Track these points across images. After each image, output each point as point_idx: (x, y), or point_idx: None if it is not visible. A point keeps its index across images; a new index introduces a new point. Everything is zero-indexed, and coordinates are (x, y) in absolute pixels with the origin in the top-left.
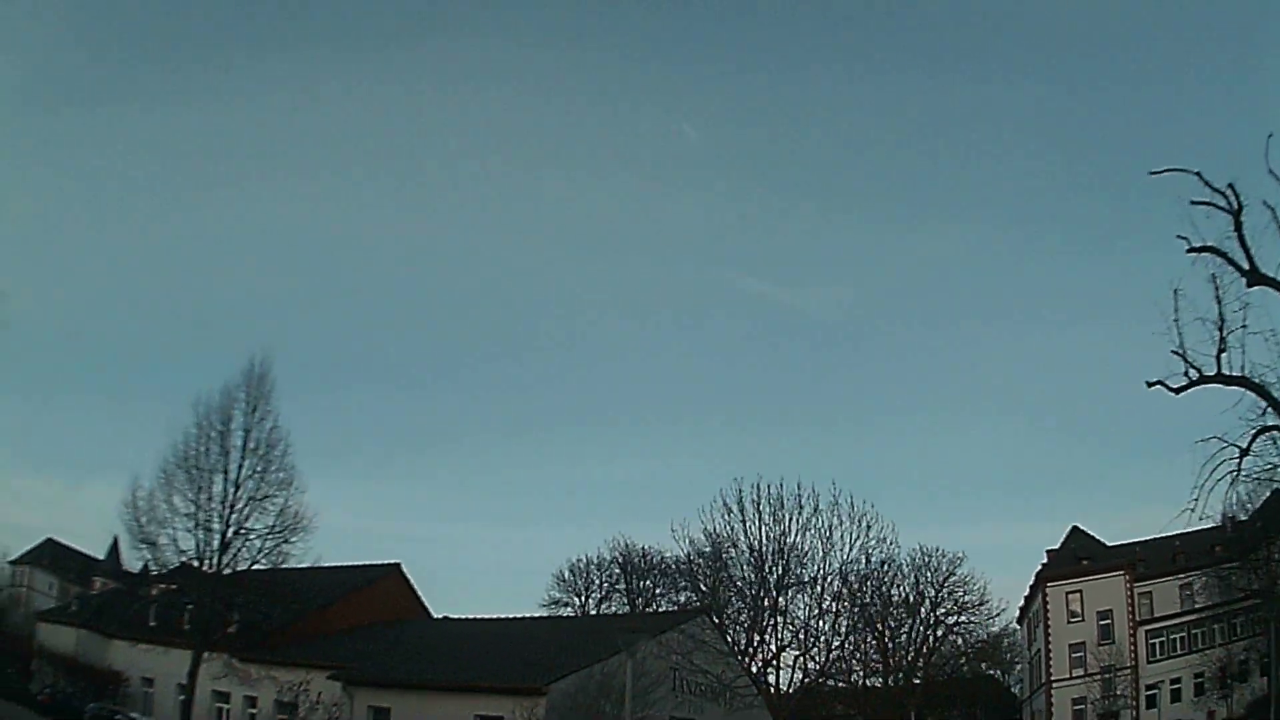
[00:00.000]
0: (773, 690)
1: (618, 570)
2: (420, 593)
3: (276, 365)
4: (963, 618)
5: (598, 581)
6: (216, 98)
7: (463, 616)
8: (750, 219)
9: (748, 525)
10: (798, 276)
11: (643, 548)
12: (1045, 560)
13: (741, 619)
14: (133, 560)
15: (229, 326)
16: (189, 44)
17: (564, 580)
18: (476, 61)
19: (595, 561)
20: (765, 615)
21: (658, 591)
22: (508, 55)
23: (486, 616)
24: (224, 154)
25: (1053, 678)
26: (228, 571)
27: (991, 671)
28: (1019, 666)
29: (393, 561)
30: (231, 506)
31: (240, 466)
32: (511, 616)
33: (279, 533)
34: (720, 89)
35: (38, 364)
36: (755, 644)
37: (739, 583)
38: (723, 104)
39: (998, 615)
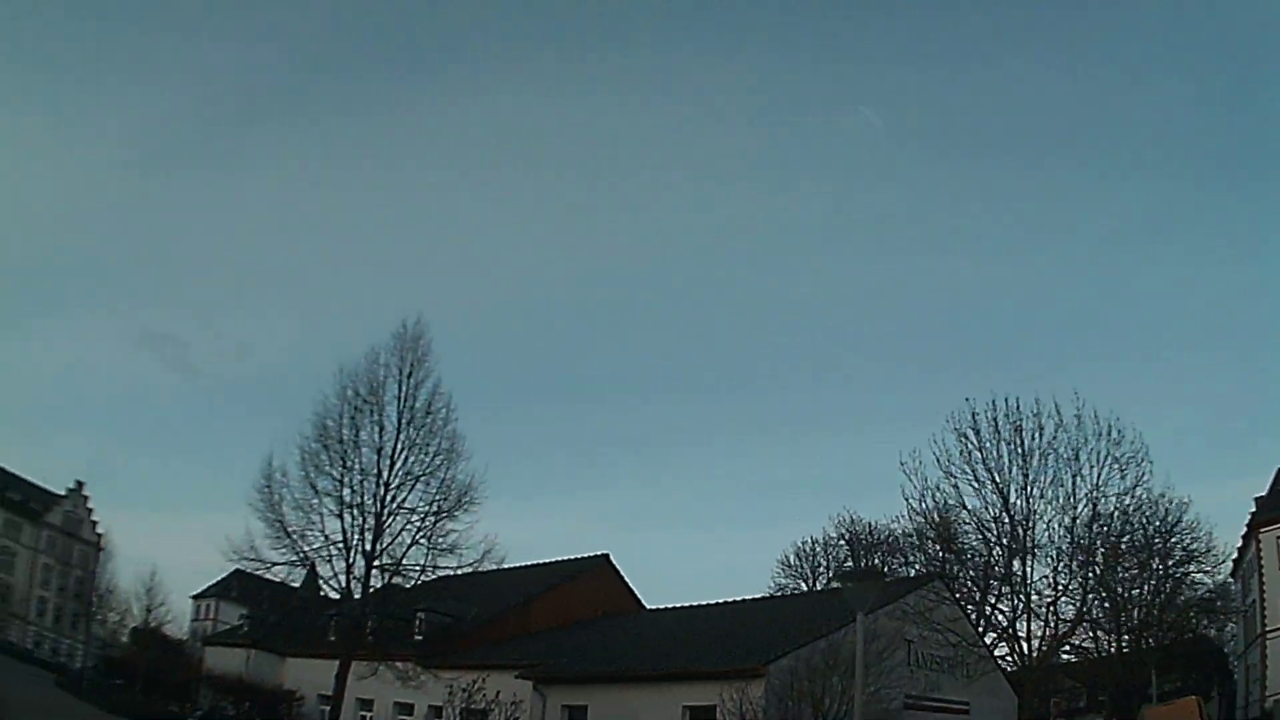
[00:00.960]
0: (1011, 661)
1: (844, 547)
2: (631, 584)
3: (432, 330)
4: (1191, 567)
5: (824, 564)
6: (397, 108)
7: (675, 605)
8: (939, 202)
9: (984, 447)
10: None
11: (869, 522)
12: (1254, 509)
13: (973, 586)
14: (270, 551)
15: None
16: (372, 55)
17: (789, 565)
18: (651, 69)
19: (820, 541)
20: (998, 582)
21: (886, 567)
22: (683, 61)
23: (699, 603)
24: (400, 164)
25: (1267, 629)
26: (387, 562)
27: (1208, 629)
28: (1230, 625)
29: (600, 553)
30: (385, 484)
31: (396, 437)
32: (725, 600)
33: (441, 511)
34: (902, 74)
35: (224, 410)
36: (988, 614)
37: (969, 552)
38: (905, 89)
39: (1222, 564)
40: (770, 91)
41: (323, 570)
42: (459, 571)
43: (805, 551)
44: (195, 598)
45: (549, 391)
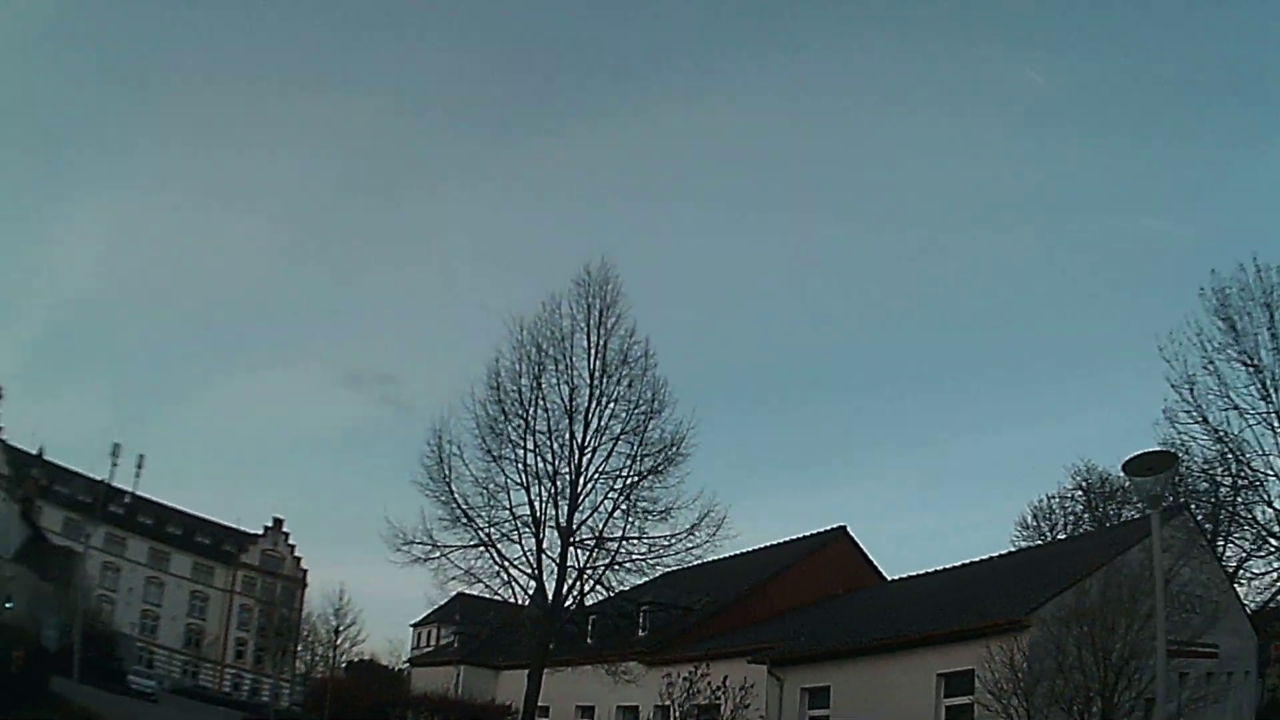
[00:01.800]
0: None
1: (1081, 498)
2: (871, 556)
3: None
4: None
5: (1061, 520)
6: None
7: (919, 573)
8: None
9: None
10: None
11: (1103, 471)
12: None
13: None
14: (444, 535)
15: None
16: (589, 68)
17: (1026, 526)
18: (843, 68)
19: (1055, 496)
20: (1226, 520)
21: (1123, 515)
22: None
23: (944, 567)
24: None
25: None
26: (585, 535)
27: None
28: None
29: (836, 525)
30: (579, 446)
31: (590, 393)
32: (970, 561)
33: (645, 471)
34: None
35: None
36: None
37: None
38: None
39: None
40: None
41: (507, 551)
42: (674, 544)
43: (1042, 510)
44: (415, 626)
45: (776, 384)
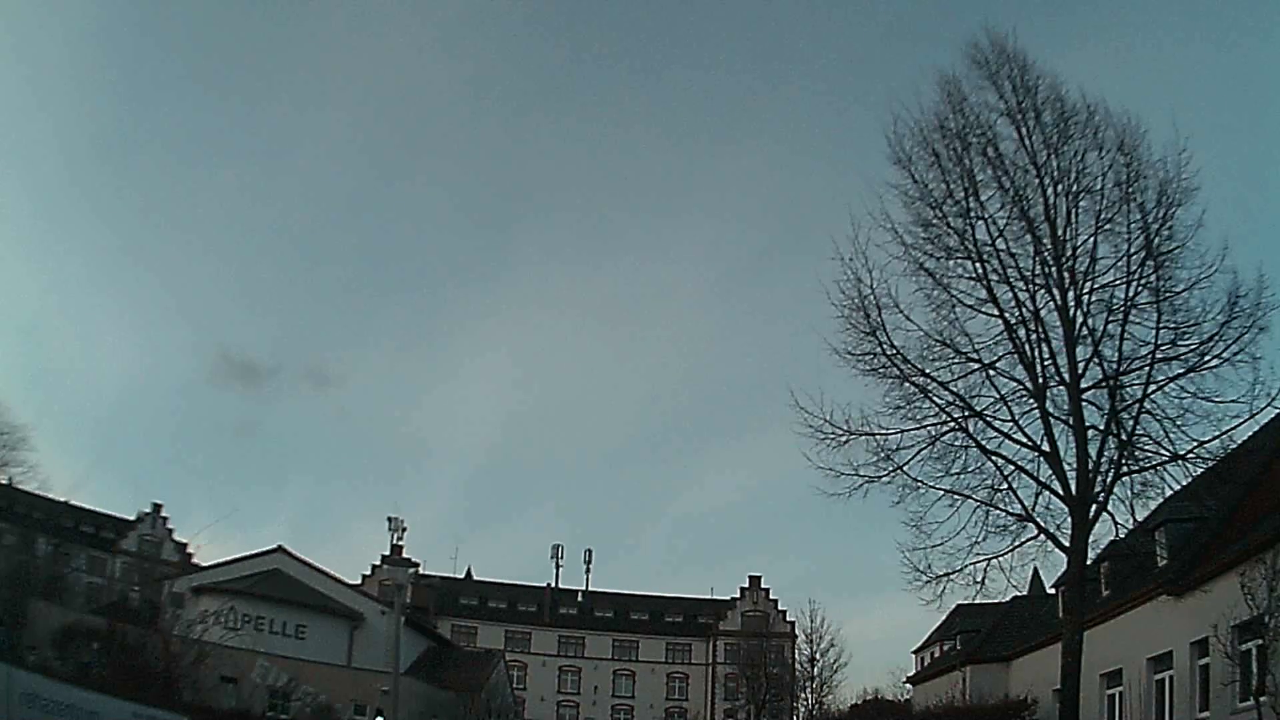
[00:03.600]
0: None
1: None
2: None
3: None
4: None
5: None
6: None
7: None
8: None
9: None
10: None
11: None
12: None
13: None
14: (886, 419)
15: None
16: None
17: None
18: None
19: None
20: None
21: None
22: None
23: None
24: None
25: None
26: (1096, 377)
27: None
28: None
29: None
30: (1056, 258)
31: (1056, 191)
32: None
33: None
34: None
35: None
36: None
37: None
38: None
39: None
40: None
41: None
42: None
43: None
44: (916, 651)
45: None
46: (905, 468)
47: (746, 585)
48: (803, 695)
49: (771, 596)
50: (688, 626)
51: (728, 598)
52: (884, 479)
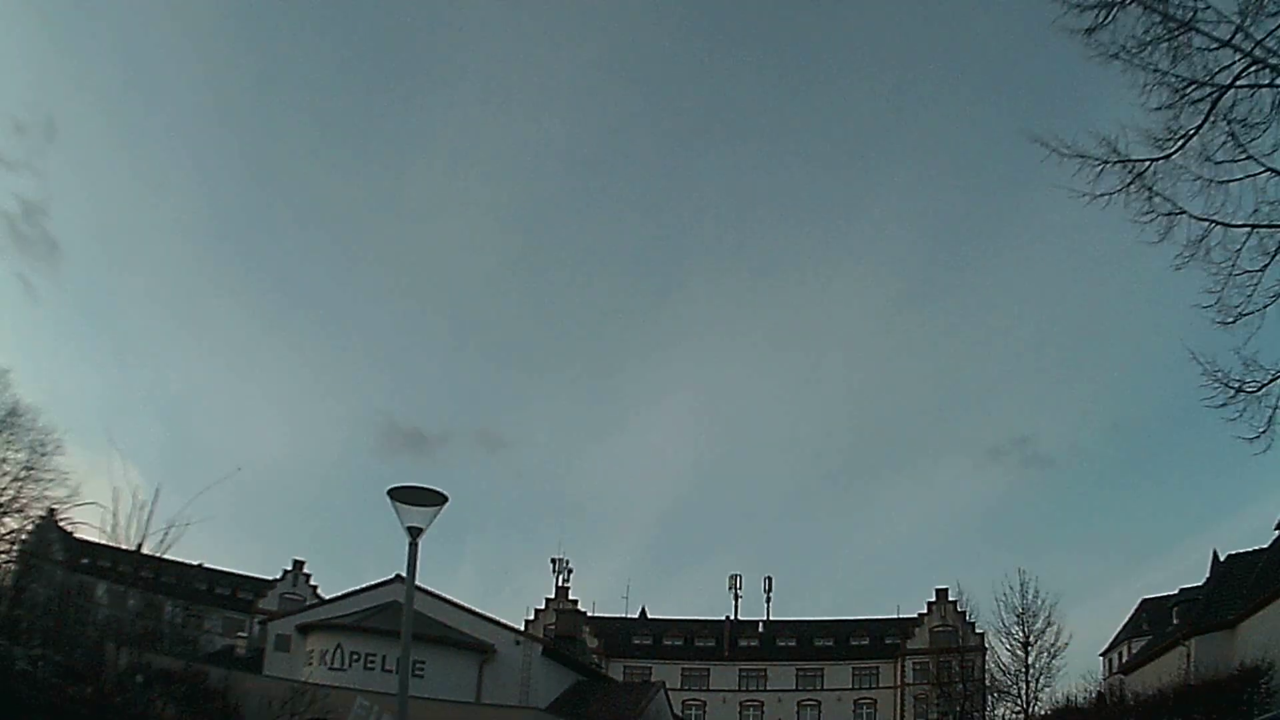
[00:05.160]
0: None
1: None
2: None
3: None
4: None
5: None
6: None
7: None
8: None
9: None
10: None
11: None
12: None
13: None
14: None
15: None
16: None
17: None
18: None
19: None
20: None
21: None
22: None
23: None
24: None
25: None
26: None
27: None
28: None
29: None
30: None
31: None
32: None
33: None
34: None
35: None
36: None
37: None
38: None
39: None
40: None
41: None
42: None
43: None
44: (1104, 654)
45: None
46: None
47: (934, 599)
48: (992, 712)
49: (960, 609)
50: (874, 648)
51: (914, 615)
52: None
